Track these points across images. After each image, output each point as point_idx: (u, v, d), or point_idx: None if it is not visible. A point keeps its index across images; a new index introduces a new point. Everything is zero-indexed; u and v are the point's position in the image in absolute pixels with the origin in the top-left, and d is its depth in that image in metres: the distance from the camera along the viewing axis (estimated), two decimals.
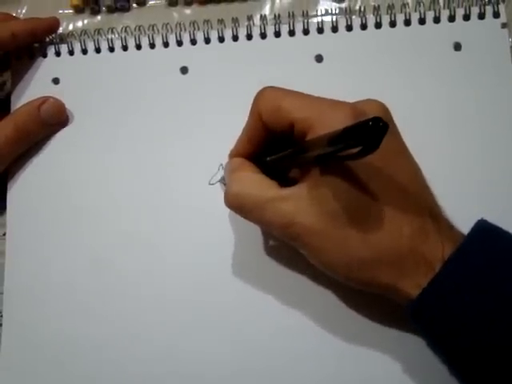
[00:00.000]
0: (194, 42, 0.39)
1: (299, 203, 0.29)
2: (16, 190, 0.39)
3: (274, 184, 0.31)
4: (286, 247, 0.35)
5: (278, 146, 0.32)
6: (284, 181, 0.32)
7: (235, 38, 0.39)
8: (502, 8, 0.37)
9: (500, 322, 0.27)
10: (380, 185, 0.29)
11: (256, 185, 0.31)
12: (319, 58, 0.38)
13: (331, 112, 0.29)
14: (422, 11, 0.38)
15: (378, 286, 0.29)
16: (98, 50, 0.40)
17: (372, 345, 0.34)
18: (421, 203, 0.30)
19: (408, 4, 0.38)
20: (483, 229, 0.29)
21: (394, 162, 0.29)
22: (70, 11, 0.41)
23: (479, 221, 0.29)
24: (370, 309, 0.34)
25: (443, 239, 0.28)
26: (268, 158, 0.32)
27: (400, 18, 0.38)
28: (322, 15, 0.39)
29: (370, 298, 0.32)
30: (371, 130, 0.22)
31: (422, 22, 0.38)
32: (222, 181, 0.37)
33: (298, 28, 0.38)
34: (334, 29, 0.38)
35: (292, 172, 0.34)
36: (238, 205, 0.31)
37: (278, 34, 0.39)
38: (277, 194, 0.30)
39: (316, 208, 0.29)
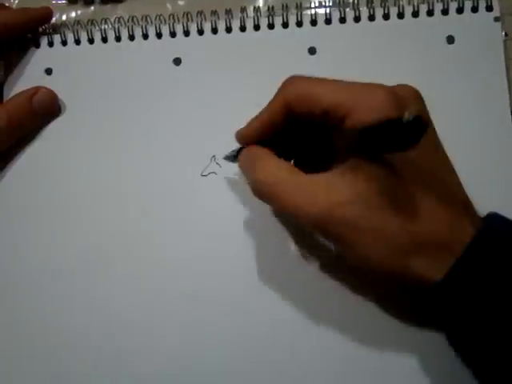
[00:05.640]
0: (187, 33, 0.39)
1: (334, 188, 0.28)
2: (6, 181, 0.39)
3: (300, 171, 0.30)
4: (284, 239, 0.36)
5: (283, 136, 0.31)
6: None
7: (228, 30, 0.39)
8: (495, 1, 0.37)
9: None
10: (418, 176, 0.29)
11: (286, 171, 0.30)
12: (312, 50, 0.38)
13: (368, 95, 0.28)
14: (416, 4, 0.38)
15: (409, 274, 0.28)
16: (91, 41, 0.40)
17: (377, 339, 0.34)
18: (457, 196, 0.30)
19: None
20: (497, 219, 0.29)
21: (432, 153, 0.30)
22: (64, 1, 0.41)
23: (490, 213, 0.30)
24: (377, 304, 0.34)
25: (474, 231, 0.28)
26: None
27: (393, 11, 0.38)
28: (315, 7, 0.39)
29: (376, 293, 0.33)
30: (413, 127, 0.23)
31: (415, 14, 0.38)
32: (229, 159, 0.35)
33: (292, 20, 0.38)
34: (328, 21, 0.38)
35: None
36: (270, 193, 0.30)
37: (271, 26, 0.39)
38: (309, 180, 0.29)
39: (352, 194, 0.28)
